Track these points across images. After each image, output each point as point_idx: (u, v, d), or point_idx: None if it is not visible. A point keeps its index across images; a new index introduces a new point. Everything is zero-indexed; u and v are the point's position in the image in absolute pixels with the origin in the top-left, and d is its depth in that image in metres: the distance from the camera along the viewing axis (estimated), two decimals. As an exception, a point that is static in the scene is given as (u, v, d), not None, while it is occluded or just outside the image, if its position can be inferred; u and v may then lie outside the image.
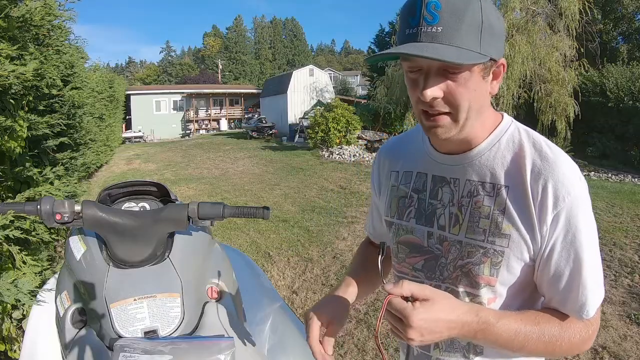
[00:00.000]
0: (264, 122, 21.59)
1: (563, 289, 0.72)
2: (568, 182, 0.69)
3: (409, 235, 0.85)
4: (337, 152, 13.01)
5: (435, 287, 0.81)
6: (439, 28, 0.64)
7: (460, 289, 0.79)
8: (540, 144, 0.74)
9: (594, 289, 0.71)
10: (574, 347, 0.74)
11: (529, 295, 0.79)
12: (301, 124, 18.59)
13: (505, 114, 0.81)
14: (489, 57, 0.67)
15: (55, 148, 2.79)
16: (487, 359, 0.81)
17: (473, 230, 0.76)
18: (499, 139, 0.76)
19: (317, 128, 13.76)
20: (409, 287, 0.66)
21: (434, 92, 0.67)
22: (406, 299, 0.66)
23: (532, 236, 0.72)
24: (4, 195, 2.04)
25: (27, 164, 2.17)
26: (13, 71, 1.67)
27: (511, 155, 0.75)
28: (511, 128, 0.78)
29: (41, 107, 2.44)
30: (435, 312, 0.65)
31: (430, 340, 0.67)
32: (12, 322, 1.99)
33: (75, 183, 3.26)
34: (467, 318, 0.68)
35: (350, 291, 0.92)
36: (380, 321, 0.66)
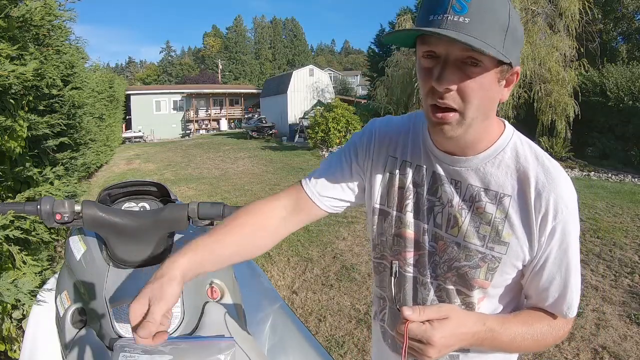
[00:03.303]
0: (264, 122, 21.60)
1: (554, 294, 0.77)
2: (566, 197, 0.73)
3: (407, 229, 0.85)
4: (337, 152, 13.00)
5: (427, 283, 0.83)
6: (466, 19, 0.62)
7: (452, 287, 0.81)
8: (542, 158, 0.77)
9: (578, 291, 0.78)
10: (557, 340, 0.80)
11: (514, 295, 0.84)
12: (301, 124, 18.59)
13: (506, 122, 0.81)
14: (510, 60, 0.66)
15: (55, 148, 2.79)
16: (473, 354, 0.84)
17: (473, 234, 0.77)
18: (504, 147, 0.77)
19: (317, 128, 13.76)
20: (426, 313, 0.67)
21: (449, 82, 0.65)
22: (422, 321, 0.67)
23: (530, 245, 0.75)
24: (4, 195, 2.04)
25: (27, 164, 2.17)
26: (13, 71, 1.66)
27: (515, 166, 0.76)
28: (514, 138, 0.79)
29: (41, 107, 2.44)
30: (452, 328, 0.68)
31: (445, 353, 0.69)
32: (12, 322, 1.99)
33: (75, 183, 3.25)
34: (476, 328, 0.72)
35: (202, 257, 0.75)
36: (405, 352, 0.66)
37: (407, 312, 0.66)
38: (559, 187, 0.73)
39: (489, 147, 0.77)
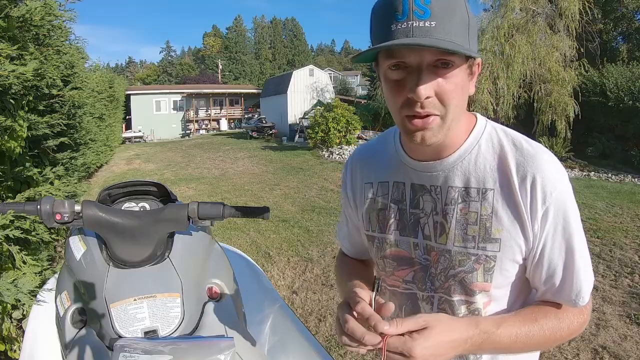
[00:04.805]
0: (264, 122, 21.59)
1: (558, 281, 0.72)
2: (553, 176, 0.69)
3: (395, 248, 0.83)
4: (337, 152, 13.00)
5: (428, 298, 0.80)
6: (432, 23, 0.60)
7: (455, 298, 0.77)
8: (520, 141, 0.73)
9: (586, 275, 0.72)
10: (573, 333, 0.75)
11: (521, 290, 0.79)
12: (301, 124, 18.58)
13: (478, 114, 0.79)
14: (479, 55, 0.66)
15: (55, 148, 2.80)
16: (485, 356, 0.80)
17: (461, 238, 0.74)
18: (478, 141, 0.75)
19: (317, 128, 13.76)
20: (404, 324, 0.62)
21: (427, 90, 0.63)
22: (402, 334, 0.63)
23: (524, 235, 0.71)
24: (4, 195, 2.04)
25: (27, 164, 2.17)
26: (13, 71, 1.67)
27: (493, 157, 0.73)
28: (488, 128, 0.76)
29: (41, 107, 2.44)
30: (435, 337, 0.62)
31: None
32: (12, 322, 1.99)
33: (75, 183, 3.26)
34: (468, 333, 0.67)
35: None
36: None
37: (385, 326, 0.61)
38: (543, 167, 0.69)
39: (462, 144, 0.74)
